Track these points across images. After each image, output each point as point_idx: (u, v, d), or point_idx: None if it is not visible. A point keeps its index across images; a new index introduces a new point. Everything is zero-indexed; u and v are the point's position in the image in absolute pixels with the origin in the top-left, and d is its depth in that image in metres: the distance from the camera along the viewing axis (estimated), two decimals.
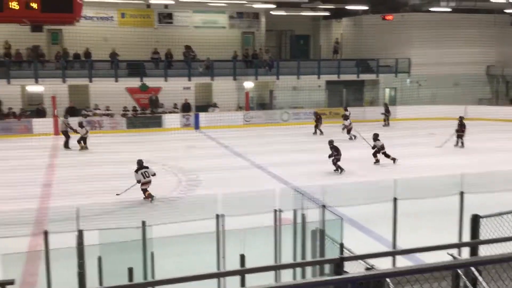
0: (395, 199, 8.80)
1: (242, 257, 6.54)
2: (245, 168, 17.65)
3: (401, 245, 8.55)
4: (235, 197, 11.73)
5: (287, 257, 8.03)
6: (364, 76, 30.68)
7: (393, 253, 7.21)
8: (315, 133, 24.61)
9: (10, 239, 9.46)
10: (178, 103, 27.56)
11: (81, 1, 9.37)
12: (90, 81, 26.22)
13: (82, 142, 21.04)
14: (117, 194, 13.65)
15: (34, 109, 25.72)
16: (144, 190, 13.46)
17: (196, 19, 30.31)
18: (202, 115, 27.08)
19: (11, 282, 5.13)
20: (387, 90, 31.76)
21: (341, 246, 6.65)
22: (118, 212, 11.14)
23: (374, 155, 18.01)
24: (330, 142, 17.01)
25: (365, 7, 29.83)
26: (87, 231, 6.90)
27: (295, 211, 8.15)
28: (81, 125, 21.39)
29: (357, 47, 31.72)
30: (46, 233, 7.05)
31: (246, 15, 31.30)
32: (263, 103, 29.91)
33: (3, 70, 25.27)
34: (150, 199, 13.36)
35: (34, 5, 8.75)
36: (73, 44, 27.29)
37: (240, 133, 24.88)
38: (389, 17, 30.50)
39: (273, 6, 29.45)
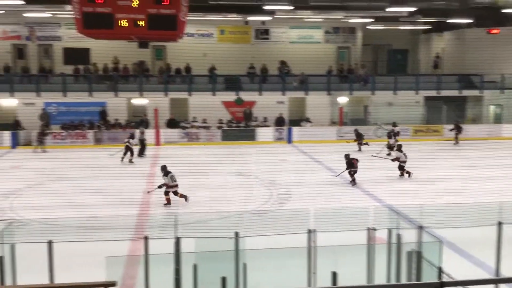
0: (499, 223, 8.23)
1: (334, 275, 6.43)
2: (338, 184, 17.41)
3: (505, 273, 7.97)
4: (327, 212, 11.60)
5: (380, 278, 7.78)
6: (466, 92, 29.17)
7: (497, 281, 6.74)
8: (359, 150, 23.33)
9: (113, 243, 10.08)
10: (272, 117, 27.91)
11: (184, 19, 9.86)
12: (190, 94, 27.40)
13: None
14: (148, 192, 15.18)
15: (138, 120, 27.30)
16: (175, 193, 14.51)
17: (292, 35, 30.66)
18: (295, 129, 27.20)
19: (113, 284, 5.46)
20: (492, 107, 29.93)
21: (440, 270, 6.33)
22: (213, 221, 11.47)
23: (400, 168, 17.81)
24: (346, 156, 17.24)
25: (469, 21, 28.43)
26: (184, 238, 7.17)
27: (389, 231, 7.90)
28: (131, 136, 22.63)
29: (459, 62, 30.29)
30: (146, 239, 7.40)
31: (342, 30, 31.14)
32: (357, 118, 29.44)
33: (112, 84, 27.15)
34: (184, 198, 14.45)
35: (142, 23, 9.33)
36: (175, 60, 28.73)
37: (333, 148, 24.63)
38: (495, 30, 28.82)
39: (371, 20, 29.01)
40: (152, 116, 27.07)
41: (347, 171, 17.03)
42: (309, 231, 7.79)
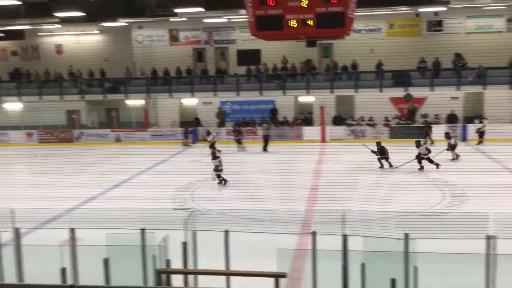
0: None
1: None
2: None
3: None
4: (509, 218, 10.56)
5: None
6: None
7: None
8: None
9: (282, 236, 10.46)
10: (443, 114, 26.25)
11: (352, 16, 9.77)
12: (356, 91, 27.13)
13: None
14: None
15: (303, 117, 27.87)
16: (218, 176, 17.04)
17: (468, 25, 28.41)
18: (471, 127, 25.25)
19: (284, 275, 5.70)
20: None
21: None
22: (381, 221, 11.23)
23: (419, 161, 18.55)
24: (378, 144, 19.50)
25: None
26: (351, 236, 7.15)
27: None
28: (208, 133, 24.03)
29: None
30: (314, 234, 7.54)
31: None
32: None
33: (280, 82, 28.15)
34: (224, 182, 17.00)
35: (310, 22, 9.48)
36: (341, 57, 28.68)
37: None
38: None
39: None
40: (318, 113, 27.43)
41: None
42: (488, 238, 7.18)
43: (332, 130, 26.76)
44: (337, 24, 9.51)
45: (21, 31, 33.61)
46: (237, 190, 16.00)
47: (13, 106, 30.02)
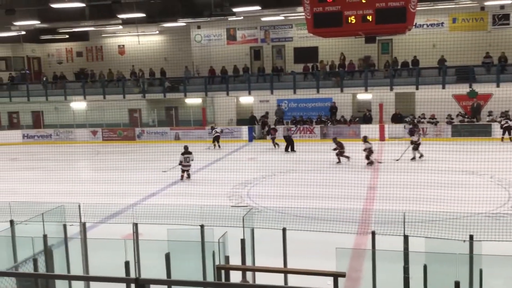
0: None
1: None
2: None
3: None
4: None
5: None
6: None
7: None
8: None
9: (339, 235, 10.35)
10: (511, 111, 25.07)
11: (414, 10, 9.50)
12: (417, 88, 26.39)
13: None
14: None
15: (362, 115, 27.42)
16: (183, 171, 18.23)
17: None
18: None
19: (343, 275, 5.63)
20: None
21: None
22: (444, 222, 10.89)
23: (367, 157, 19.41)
24: (334, 139, 20.94)
25: None
26: (412, 237, 6.97)
27: None
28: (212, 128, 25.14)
29: None
30: (373, 234, 7.41)
31: None
32: None
33: (338, 79, 27.83)
34: (187, 178, 18.15)
35: (369, 18, 9.30)
36: (402, 53, 27.95)
37: None
38: None
39: None
40: (376, 111, 26.91)
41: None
42: None
43: (391, 128, 26.17)
44: (398, 19, 9.29)
45: (86, 32, 35.08)
46: (293, 188, 15.96)
47: (79, 105, 31.34)
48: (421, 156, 20.50)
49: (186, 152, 18.57)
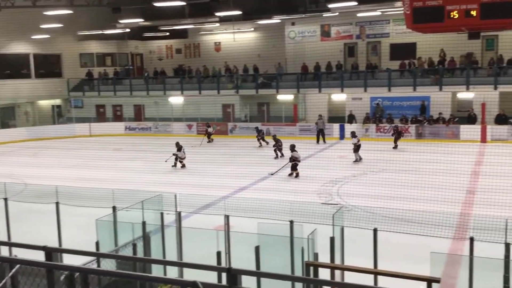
0: None
1: None
2: None
3: None
4: None
5: None
6: None
7: None
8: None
9: (433, 239, 9.95)
10: None
11: None
12: None
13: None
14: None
15: (463, 115, 26.04)
16: (181, 162, 20.34)
17: None
18: None
19: (437, 281, 5.42)
20: None
21: None
22: None
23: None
24: (274, 136, 22.85)
25: None
26: None
27: None
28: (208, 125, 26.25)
29: None
30: (472, 240, 7.06)
31: None
32: None
33: (437, 77, 26.64)
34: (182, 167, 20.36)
35: (474, 13, 8.82)
36: (508, 49, 26.19)
37: None
38: None
39: None
40: (478, 111, 25.44)
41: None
42: None
43: (494, 130, 24.62)
44: (505, 14, 8.73)
45: (185, 30, 36.51)
46: (385, 188, 15.55)
47: (176, 99, 32.72)
48: None
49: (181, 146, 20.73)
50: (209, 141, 28.09)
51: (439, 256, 7.14)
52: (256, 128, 27.01)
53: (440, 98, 26.57)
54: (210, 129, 28.69)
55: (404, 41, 28.65)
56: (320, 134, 26.74)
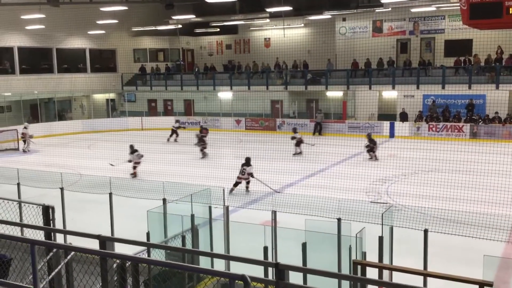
0: None
1: None
2: None
3: None
4: None
5: None
6: None
7: None
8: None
9: (486, 242, 9.64)
10: None
11: None
12: None
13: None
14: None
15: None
16: (134, 168, 18.35)
17: None
18: None
19: (490, 285, 5.26)
20: None
21: None
22: None
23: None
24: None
25: None
26: None
27: None
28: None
29: None
30: None
31: None
32: None
33: (493, 75, 25.68)
34: (135, 176, 18.12)
35: None
36: None
37: None
38: None
39: None
40: None
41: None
42: None
43: None
44: None
45: (235, 26, 36.76)
46: (436, 188, 15.16)
47: (226, 95, 33.03)
48: None
49: (134, 150, 18.68)
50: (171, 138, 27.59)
51: (493, 260, 6.92)
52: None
53: (496, 97, 25.60)
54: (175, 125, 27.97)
55: (459, 38, 27.76)
56: (318, 126, 28.30)
